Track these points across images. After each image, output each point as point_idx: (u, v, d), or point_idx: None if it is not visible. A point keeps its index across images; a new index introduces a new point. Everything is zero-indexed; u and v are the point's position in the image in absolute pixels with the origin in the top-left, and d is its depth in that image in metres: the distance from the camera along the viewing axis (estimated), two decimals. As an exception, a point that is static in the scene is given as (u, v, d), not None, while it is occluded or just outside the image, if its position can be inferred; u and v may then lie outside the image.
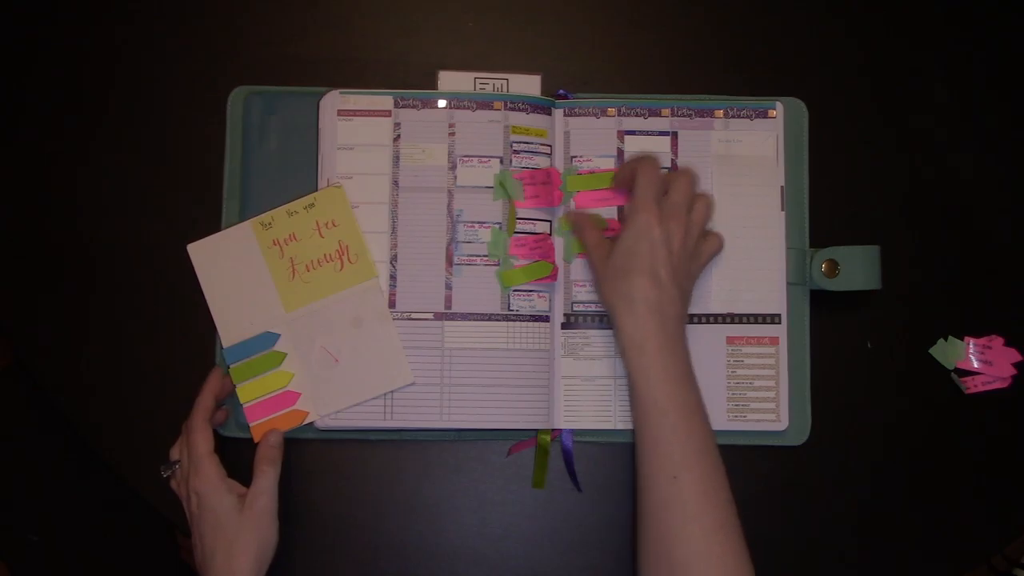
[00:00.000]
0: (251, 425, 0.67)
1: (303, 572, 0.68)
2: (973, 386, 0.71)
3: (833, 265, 0.69)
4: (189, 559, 1.00)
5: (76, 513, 0.80)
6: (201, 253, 0.68)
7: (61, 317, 0.70)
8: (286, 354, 0.67)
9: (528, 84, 0.72)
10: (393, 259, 0.68)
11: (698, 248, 0.65)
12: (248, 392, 0.67)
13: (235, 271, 0.68)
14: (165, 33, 0.73)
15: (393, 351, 0.67)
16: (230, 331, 0.68)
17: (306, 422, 0.67)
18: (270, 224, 0.68)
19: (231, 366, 0.67)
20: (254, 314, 0.68)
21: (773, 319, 0.70)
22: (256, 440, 0.67)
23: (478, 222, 0.69)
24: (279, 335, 0.67)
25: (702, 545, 0.57)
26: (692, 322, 0.69)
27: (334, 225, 0.68)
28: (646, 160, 0.65)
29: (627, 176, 0.66)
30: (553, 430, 0.69)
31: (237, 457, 0.68)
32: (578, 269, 0.69)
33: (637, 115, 0.71)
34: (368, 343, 0.67)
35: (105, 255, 0.70)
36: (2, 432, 0.83)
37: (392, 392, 0.67)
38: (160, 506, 0.69)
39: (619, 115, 0.71)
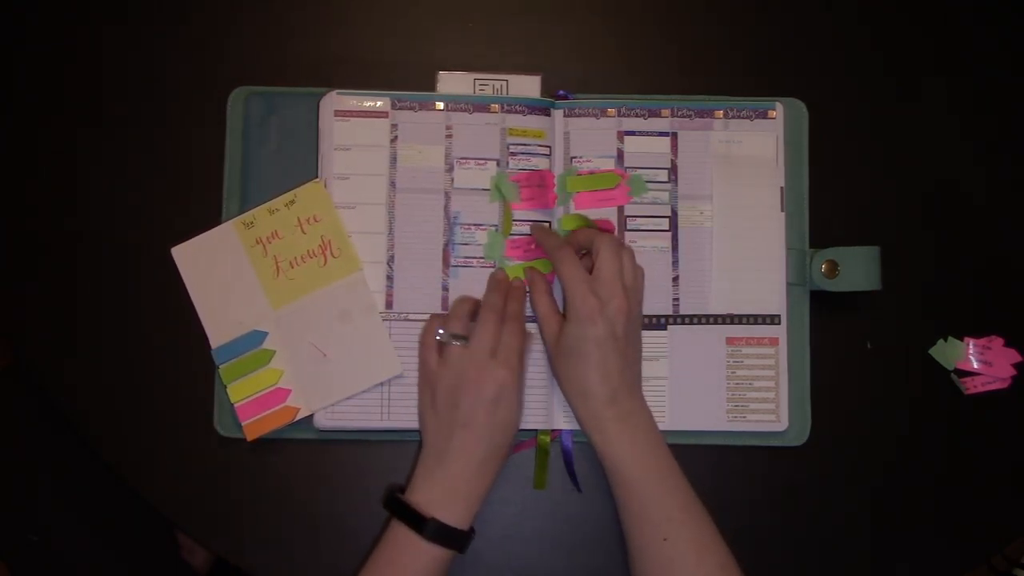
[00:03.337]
0: (243, 424, 0.67)
1: (303, 572, 0.68)
2: (973, 386, 0.71)
3: (833, 265, 0.69)
4: (189, 559, 1.00)
5: (76, 513, 0.80)
6: (185, 255, 0.68)
7: (61, 317, 0.70)
8: (274, 351, 0.67)
9: (528, 85, 0.72)
10: (390, 260, 0.68)
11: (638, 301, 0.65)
12: (238, 391, 0.67)
13: (220, 271, 0.68)
14: (165, 33, 0.73)
15: (380, 343, 0.67)
16: (218, 331, 0.68)
17: (298, 418, 0.67)
18: (252, 223, 0.68)
19: (220, 366, 0.67)
20: (241, 313, 0.68)
21: (773, 320, 0.70)
22: (251, 439, 0.67)
23: (474, 224, 0.69)
24: (267, 333, 0.68)
25: None
26: (692, 323, 0.69)
27: (316, 221, 0.68)
28: (557, 245, 0.65)
29: (544, 251, 0.67)
30: (553, 430, 0.69)
31: (235, 457, 0.69)
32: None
33: (637, 116, 0.71)
34: (356, 336, 0.67)
35: (105, 255, 0.70)
36: (2, 432, 0.83)
37: (391, 392, 0.67)
38: (160, 506, 0.69)
39: (619, 115, 0.71)
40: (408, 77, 0.72)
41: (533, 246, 0.68)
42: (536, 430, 0.68)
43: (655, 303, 0.69)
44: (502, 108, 0.69)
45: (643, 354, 0.67)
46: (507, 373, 0.61)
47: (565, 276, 0.63)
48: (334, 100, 0.69)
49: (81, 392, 0.70)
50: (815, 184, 0.71)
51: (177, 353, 0.69)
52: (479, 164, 0.69)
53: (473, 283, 0.68)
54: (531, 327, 0.68)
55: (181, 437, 0.69)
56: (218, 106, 0.71)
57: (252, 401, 0.67)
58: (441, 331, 0.64)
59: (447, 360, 0.63)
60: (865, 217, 0.73)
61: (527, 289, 0.68)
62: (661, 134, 0.71)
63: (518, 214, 0.68)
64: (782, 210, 0.70)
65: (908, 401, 0.72)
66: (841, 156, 0.73)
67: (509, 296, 0.66)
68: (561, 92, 0.72)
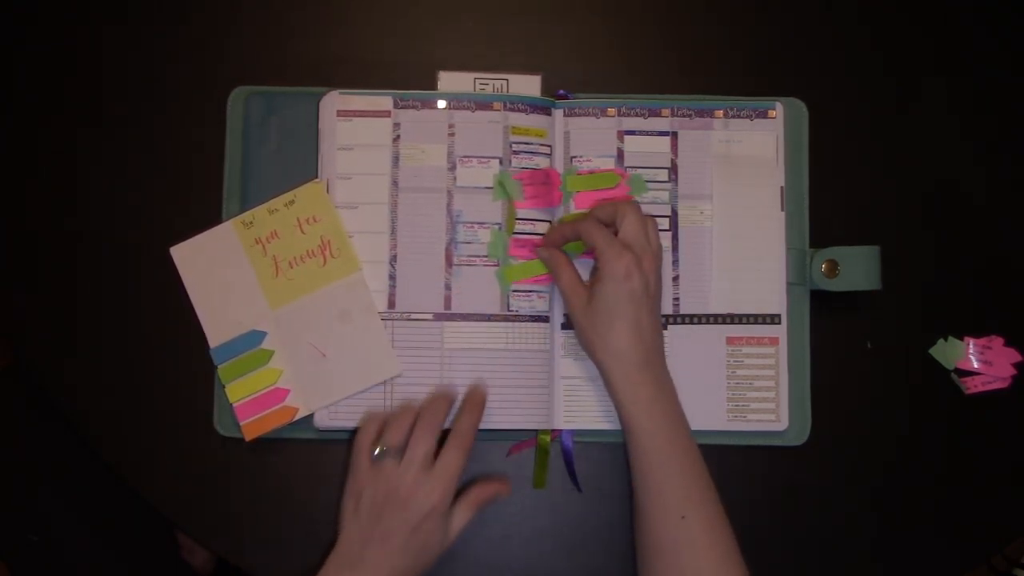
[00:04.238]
0: (241, 424, 0.67)
1: (303, 572, 0.68)
2: (973, 386, 0.71)
3: (833, 265, 0.69)
4: (189, 559, 1.00)
5: (76, 513, 0.80)
6: (184, 255, 0.68)
7: (61, 317, 0.70)
8: (273, 351, 0.67)
9: (528, 84, 0.72)
10: (392, 259, 0.68)
11: None
12: (237, 391, 0.67)
13: (219, 271, 0.68)
14: (165, 33, 0.73)
15: (380, 343, 0.67)
16: (217, 331, 0.68)
17: (297, 418, 0.67)
18: (251, 223, 0.68)
19: (219, 366, 0.67)
20: (240, 313, 0.68)
21: (773, 319, 0.70)
22: (249, 438, 0.67)
23: (477, 223, 0.69)
24: (265, 333, 0.68)
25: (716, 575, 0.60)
26: (692, 322, 0.69)
27: (315, 221, 0.68)
28: (578, 218, 0.65)
29: (564, 236, 0.67)
30: (553, 430, 0.69)
31: (235, 457, 0.69)
32: (579, 269, 0.69)
33: (637, 115, 0.71)
34: (355, 336, 0.67)
35: (105, 255, 0.70)
36: (2, 432, 0.82)
37: (390, 392, 0.67)
38: (160, 506, 0.69)
39: (619, 115, 0.71)
40: (408, 77, 0.72)
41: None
42: (536, 430, 0.68)
43: (655, 303, 0.69)
44: (504, 106, 0.69)
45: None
46: (439, 496, 0.60)
47: (596, 239, 0.63)
48: (336, 100, 0.69)
49: (81, 392, 0.70)
50: (815, 184, 0.71)
51: (177, 353, 0.69)
52: (482, 162, 0.69)
53: (476, 282, 0.68)
54: (539, 326, 0.68)
55: (181, 437, 0.69)
56: (218, 106, 0.71)
57: (251, 401, 0.67)
58: (379, 448, 0.62)
59: (380, 470, 0.61)
60: (865, 217, 0.73)
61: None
62: (661, 134, 0.71)
63: (522, 212, 0.68)
64: (782, 210, 0.70)
65: (908, 401, 0.72)
66: (841, 156, 0.73)
67: (464, 409, 0.65)
68: (561, 92, 0.72)
